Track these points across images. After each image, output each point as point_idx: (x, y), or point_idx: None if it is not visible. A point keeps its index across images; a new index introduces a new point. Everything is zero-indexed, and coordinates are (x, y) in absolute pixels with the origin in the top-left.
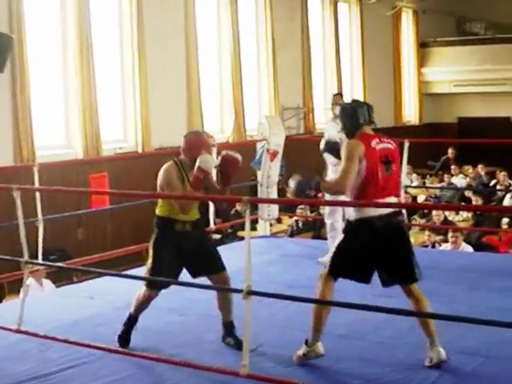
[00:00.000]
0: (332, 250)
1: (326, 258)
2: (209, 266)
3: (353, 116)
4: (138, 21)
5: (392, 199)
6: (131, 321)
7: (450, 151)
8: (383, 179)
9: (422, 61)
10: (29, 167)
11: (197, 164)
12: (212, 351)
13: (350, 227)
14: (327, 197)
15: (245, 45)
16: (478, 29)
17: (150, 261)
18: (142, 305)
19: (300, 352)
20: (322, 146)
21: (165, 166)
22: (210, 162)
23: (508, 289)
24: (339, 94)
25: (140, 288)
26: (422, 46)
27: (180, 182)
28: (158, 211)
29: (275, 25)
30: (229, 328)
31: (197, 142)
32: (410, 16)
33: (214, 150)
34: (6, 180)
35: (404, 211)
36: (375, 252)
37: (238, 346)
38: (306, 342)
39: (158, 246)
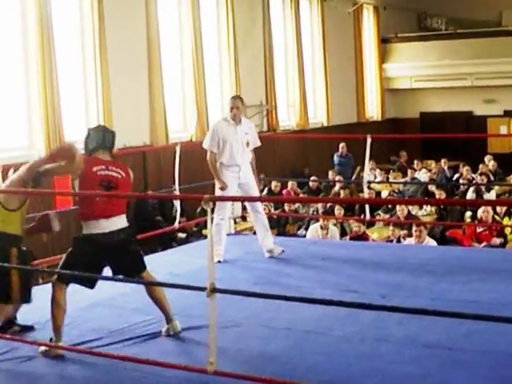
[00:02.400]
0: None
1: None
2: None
3: (88, 140)
4: (99, 18)
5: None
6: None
7: (403, 154)
8: (104, 201)
9: (383, 57)
10: None
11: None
12: (178, 349)
13: (78, 242)
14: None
15: (207, 43)
16: (438, 24)
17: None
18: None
19: (43, 348)
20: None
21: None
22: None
23: (471, 281)
24: (239, 98)
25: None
26: (384, 41)
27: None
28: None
29: (237, 22)
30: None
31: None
32: (370, 12)
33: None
34: None
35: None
36: (101, 262)
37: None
38: (51, 340)
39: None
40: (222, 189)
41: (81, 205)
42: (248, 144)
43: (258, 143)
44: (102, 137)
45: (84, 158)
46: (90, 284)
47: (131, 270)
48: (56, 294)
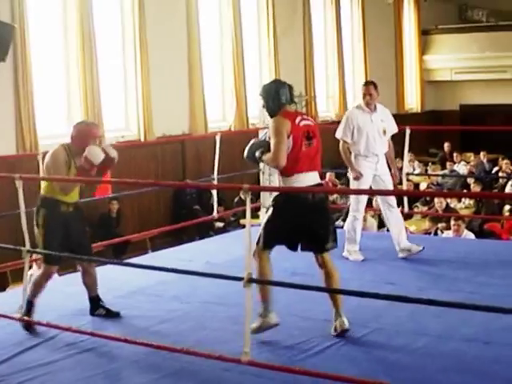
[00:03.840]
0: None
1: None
2: (88, 247)
3: (276, 95)
4: (139, 8)
5: (316, 174)
6: (29, 307)
7: (446, 145)
8: (306, 153)
9: (423, 48)
10: (32, 156)
11: (84, 154)
12: (213, 339)
13: (279, 200)
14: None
15: (246, 32)
16: (479, 16)
17: (41, 238)
18: (41, 285)
19: (254, 325)
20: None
21: (53, 150)
22: (98, 155)
23: (509, 275)
24: (372, 83)
25: (35, 272)
26: (424, 33)
27: (66, 166)
28: (42, 191)
29: (277, 13)
30: (97, 300)
31: (86, 132)
32: (411, 3)
33: (102, 141)
34: (9, 169)
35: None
36: (301, 221)
37: (108, 314)
38: (260, 315)
39: (49, 223)
40: (357, 178)
41: (288, 159)
42: (385, 132)
43: (395, 130)
44: (288, 91)
45: (284, 113)
46: (293, 246)
47: (324, 237)
48: (260, 263)
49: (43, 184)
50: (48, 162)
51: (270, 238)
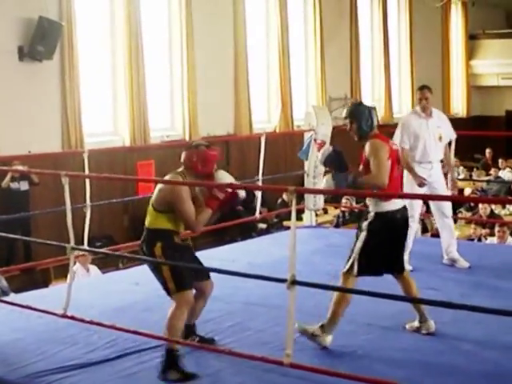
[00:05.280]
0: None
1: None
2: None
3: (369, 118)
4: (187, 7)
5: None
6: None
7: (488, 151)
8: (398, 178)
9: (470, 53)
10: (77, 154)
11: (219, 182)
12: (255, 340)
13: (377, 224)
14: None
15: (293, 35)
16: None
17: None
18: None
19: (311, 330)
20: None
21: (174, 179)
22: (230, 180)
23: None
24: (427, 88)
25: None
26: (471, 38)
27: (190, 198)
28: (156, 224)
29: (324, 16)
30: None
31: (212, 157)
32: (459, 8)
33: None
34: (54, 166)
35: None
36: (394, 244)
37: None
38: (322, 327)
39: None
40: (421, 185)
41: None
42: (441, 138)
43: (453, 136)
44: (376, 115)
45: (379, 136)
46: (392, 267)
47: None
48: (347, 286)
49: (157, 217)
50: (172, 195)
51: (368, 265)
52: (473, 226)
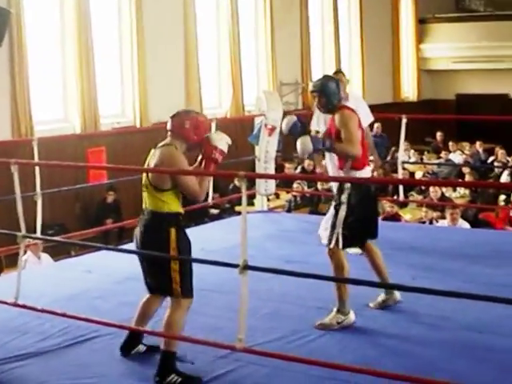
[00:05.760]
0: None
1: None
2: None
3: (336, 90)
4: None
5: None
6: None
7: (438, 134)
8: (365, 145)
9: (420, 37)
10: (27, 142)
11: (214, 144)
12: (208, 326)
13: (353, 196)
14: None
15: (243, 20)
16: (476, 5)
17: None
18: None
19: (333, 321)
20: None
21: (170, 152)
22: (227, 141)
23: (503, 265)
24: (341, 72)
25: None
26: (421, 22)
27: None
28: (165, 208)
29: (274, 1)
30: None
31: (204, 124)
32: None
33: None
34: (4, 154)
35: None
36: (372, 212)
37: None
38: (338, 311)
39: (183, 245)
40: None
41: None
42: None
43: (371, 119)
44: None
45: (346, 107)
46: (372, 234)
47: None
48: (339, 260)
49: (164, 199)
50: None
51: (353, 236)
52: (424, 208)
